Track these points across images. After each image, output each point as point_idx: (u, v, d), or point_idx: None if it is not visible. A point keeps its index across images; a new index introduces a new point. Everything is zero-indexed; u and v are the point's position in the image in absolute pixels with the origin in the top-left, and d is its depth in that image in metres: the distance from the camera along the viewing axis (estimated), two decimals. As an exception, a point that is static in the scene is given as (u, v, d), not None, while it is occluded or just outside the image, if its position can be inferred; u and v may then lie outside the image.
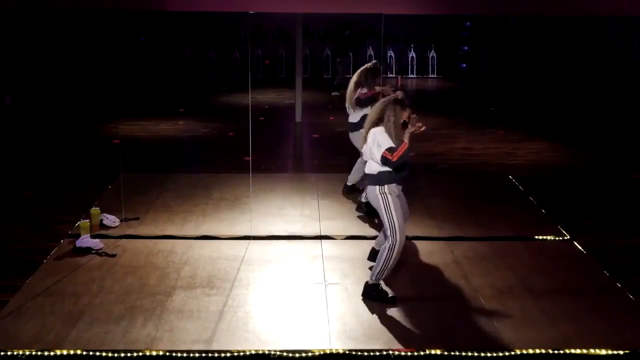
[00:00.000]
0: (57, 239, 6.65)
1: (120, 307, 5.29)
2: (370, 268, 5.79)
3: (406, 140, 5.29)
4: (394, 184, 5.42)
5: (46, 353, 4.66)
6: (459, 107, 14.47)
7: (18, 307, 5.27)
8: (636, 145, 10.93)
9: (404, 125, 5.38)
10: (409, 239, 6.70)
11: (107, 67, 16.21)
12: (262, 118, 12.75)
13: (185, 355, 4.66)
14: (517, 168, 9.45)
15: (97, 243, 6.40)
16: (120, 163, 7.78)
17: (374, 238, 6.63)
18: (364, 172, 5.81)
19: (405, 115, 5.42)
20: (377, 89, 7.14)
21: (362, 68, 7.35)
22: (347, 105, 7.43)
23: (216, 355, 4.67)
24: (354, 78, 7.34)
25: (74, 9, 14.40)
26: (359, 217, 7.30)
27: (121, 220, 7.02)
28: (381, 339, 4.87)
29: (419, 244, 6.60)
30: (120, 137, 10.72)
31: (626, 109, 14.01)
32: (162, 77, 17.40)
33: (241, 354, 4.69)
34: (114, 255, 6.25)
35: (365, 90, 7.21)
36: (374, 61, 7.58)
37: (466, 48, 18.91)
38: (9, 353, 4.65)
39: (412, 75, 18.71)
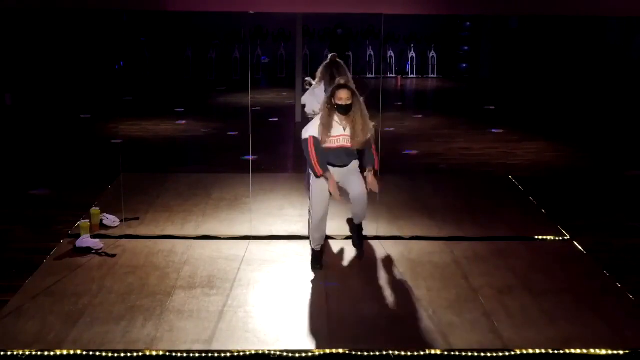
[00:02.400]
0: (57, 239, 6.64)
1: (120, 307, 5.29)
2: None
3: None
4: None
5: (46, 353, 4.66)
6: (459, 107, 14.47)
7: (18, 307, 5.27)
8: (636, 145, 10.93)
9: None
10: (409, 239, 6.72)
11: (107, 67, 16.21)
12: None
13: (185, 355, 4.66)
14: (517, 168, 9.45)
15: (97, 243, 6.40)
16: (120, 163, 7.78)
17: (373, 238, 6.65)
18: None
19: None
20: None
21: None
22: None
23: (216, 355, 4.67)
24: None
25: (74, 9, 14.41)
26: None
27: (121, 220, 7.02)
28: (381, 339, 4.86)
29: (419, 244, 6.60)
30: (120, 137, 10.72)
31: (626, 109, 14.01)
32: (162, 77, 17.40)
33: (241, 354, 4.69)
34: (114, 255, 6.25)
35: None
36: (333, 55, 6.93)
37: (466, 48, 18.91)
38: (9, 353, 4.65)
39: (412, 75, 18.70)
